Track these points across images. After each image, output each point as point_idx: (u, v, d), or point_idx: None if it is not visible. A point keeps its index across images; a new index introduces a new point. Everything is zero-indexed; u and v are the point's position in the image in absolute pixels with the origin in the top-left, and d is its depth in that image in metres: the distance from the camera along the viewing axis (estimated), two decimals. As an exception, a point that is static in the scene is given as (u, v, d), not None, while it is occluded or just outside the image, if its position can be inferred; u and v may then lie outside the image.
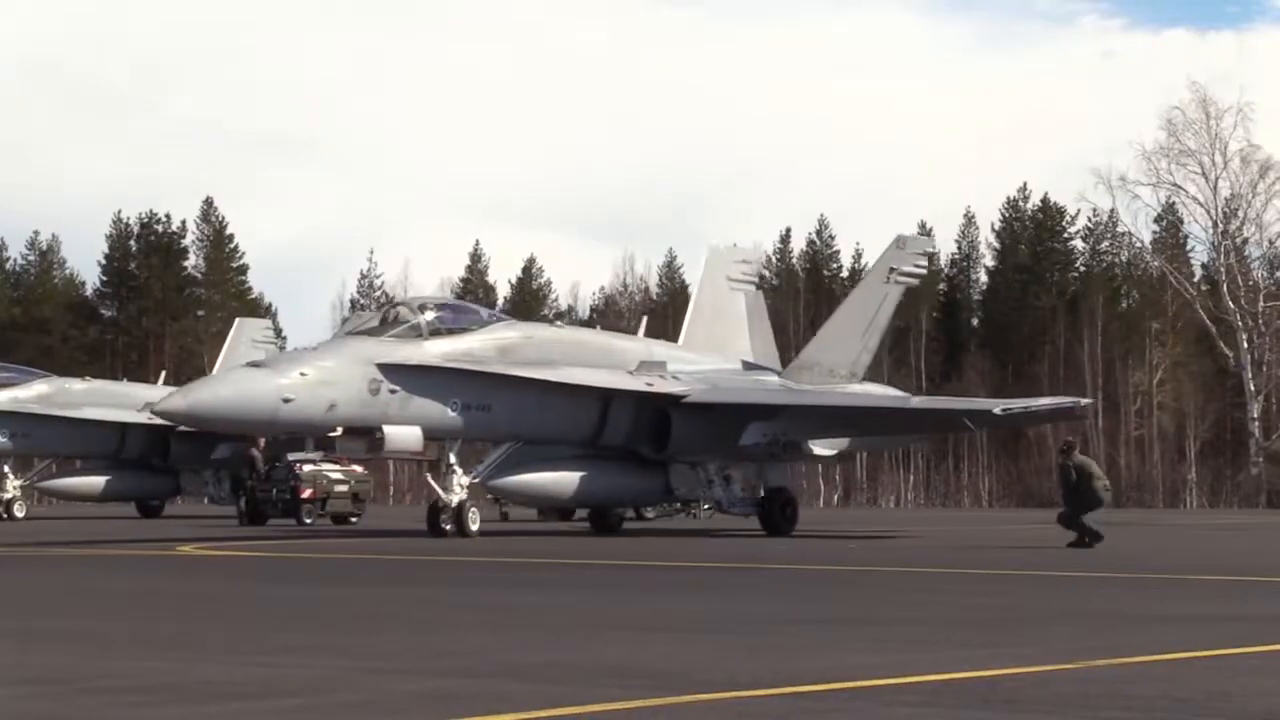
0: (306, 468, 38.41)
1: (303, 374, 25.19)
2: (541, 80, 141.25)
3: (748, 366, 34.75)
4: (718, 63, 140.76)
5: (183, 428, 42.16)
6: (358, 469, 39.47)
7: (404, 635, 10.07)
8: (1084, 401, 32.38)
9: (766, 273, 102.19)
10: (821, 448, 33.89)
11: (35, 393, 43.64)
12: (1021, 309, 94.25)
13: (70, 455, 47.75)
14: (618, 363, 30.46)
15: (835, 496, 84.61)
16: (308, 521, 37.51)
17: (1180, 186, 78.90)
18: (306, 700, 6.84)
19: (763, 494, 32.03)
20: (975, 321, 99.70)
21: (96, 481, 46.35)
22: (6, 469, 44.52)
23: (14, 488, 44.54)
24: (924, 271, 40.23)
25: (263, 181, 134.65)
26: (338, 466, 38.74)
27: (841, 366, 35.41)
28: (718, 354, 34.11)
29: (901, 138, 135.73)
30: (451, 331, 27.80)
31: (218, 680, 7.53)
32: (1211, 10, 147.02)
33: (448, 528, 26.77)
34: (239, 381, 25.31)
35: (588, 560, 20.45)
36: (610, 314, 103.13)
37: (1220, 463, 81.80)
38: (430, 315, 27.86)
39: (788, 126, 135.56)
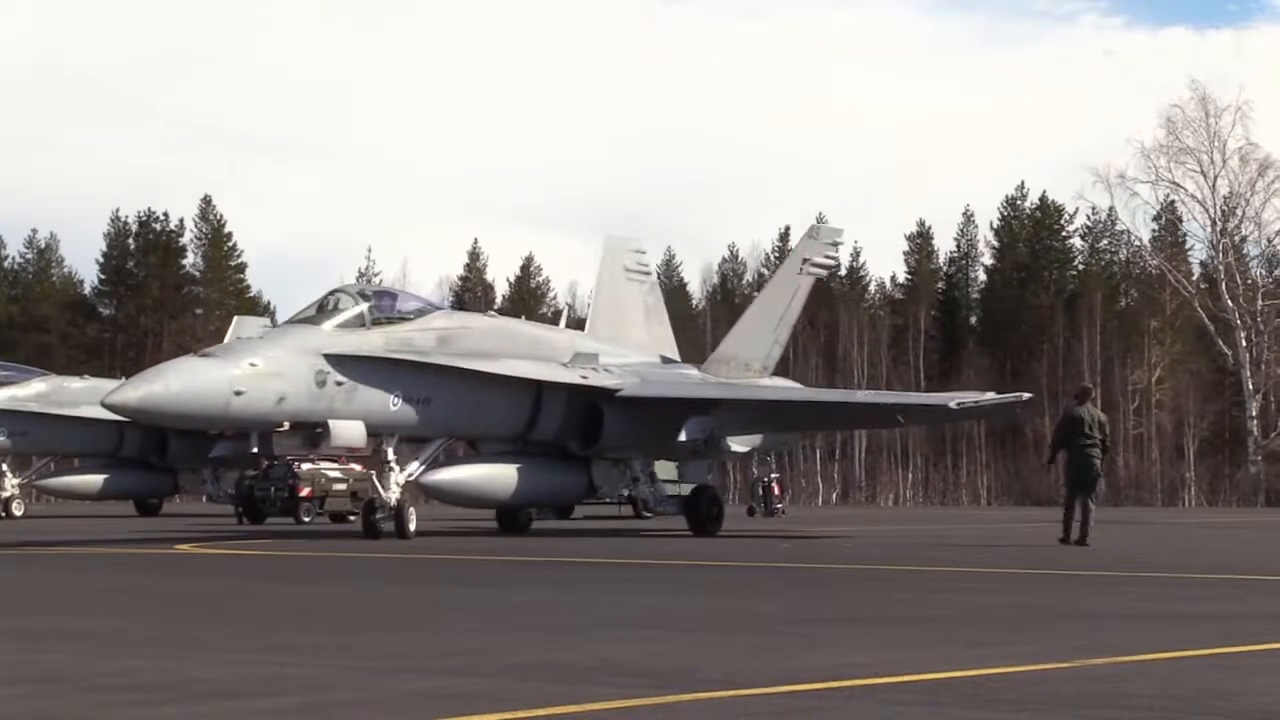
0: (305, 466, 38.43)
1: (253, 365, 23.65)
2: (541, 80, 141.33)
3: (665, 360, 33.79)
4: (718, 62, 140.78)
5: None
6: (356, 467, 39.48)
7: (403, 634, 10.08)
8: (1025, 396, 31.93)
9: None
10: (737, 444, 32.80)
11: (33, 391, 43.63)
12: (1020, 307, 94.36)
13: (68, 454, 47.74)
14: (549, 354, 29.30)
15: (834, 495, 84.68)
16: (306, 520, 37.55)
17: (1179, 185, 79.04)
18: (306, 699, 6.85)
19: (689, 492, 31.01)
20: (974, 320, 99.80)
21: (95, 480, 46.37)
22: (5, 467, 44.56)
23: (12, 486, 44.58)
24: (834, 262, 38.75)
25: (261, 180, 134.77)
26: (336, 465, 38.77)
27: (755, 360, 34.66)
28: (633, 347, 32.91)
29: (901, 137, 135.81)
30: (391, 320, 26.19)
31: (217, 679, 7.53)
32: (1211, 9, 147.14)
33: (385, 528, 25.33)
34: (190, 373, 23.39)
35: (579, 559, 20.45)
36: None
37: (1219, 461, 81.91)
38: (372, 302, 26.28)
39: (788, 126, 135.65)
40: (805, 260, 36.15)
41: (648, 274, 35.51)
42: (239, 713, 6.47)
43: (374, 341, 25.45)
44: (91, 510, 48.02)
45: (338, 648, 9.01)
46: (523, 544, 25.56)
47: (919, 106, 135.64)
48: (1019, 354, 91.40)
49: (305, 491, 38.10)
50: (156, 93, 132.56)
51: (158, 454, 45.62)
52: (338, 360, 24.73)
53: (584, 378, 28.84)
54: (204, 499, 52.77)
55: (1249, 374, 77.03)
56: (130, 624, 11.01)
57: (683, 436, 29.39)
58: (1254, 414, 76.85)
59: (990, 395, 31.84)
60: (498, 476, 27.92)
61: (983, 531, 32.36)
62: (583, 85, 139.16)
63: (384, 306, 26.51)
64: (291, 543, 25.50)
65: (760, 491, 46.97)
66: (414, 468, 26.32)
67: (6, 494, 44.23)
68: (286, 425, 24.34)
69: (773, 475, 47.96)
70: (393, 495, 25.60)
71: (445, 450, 28.66)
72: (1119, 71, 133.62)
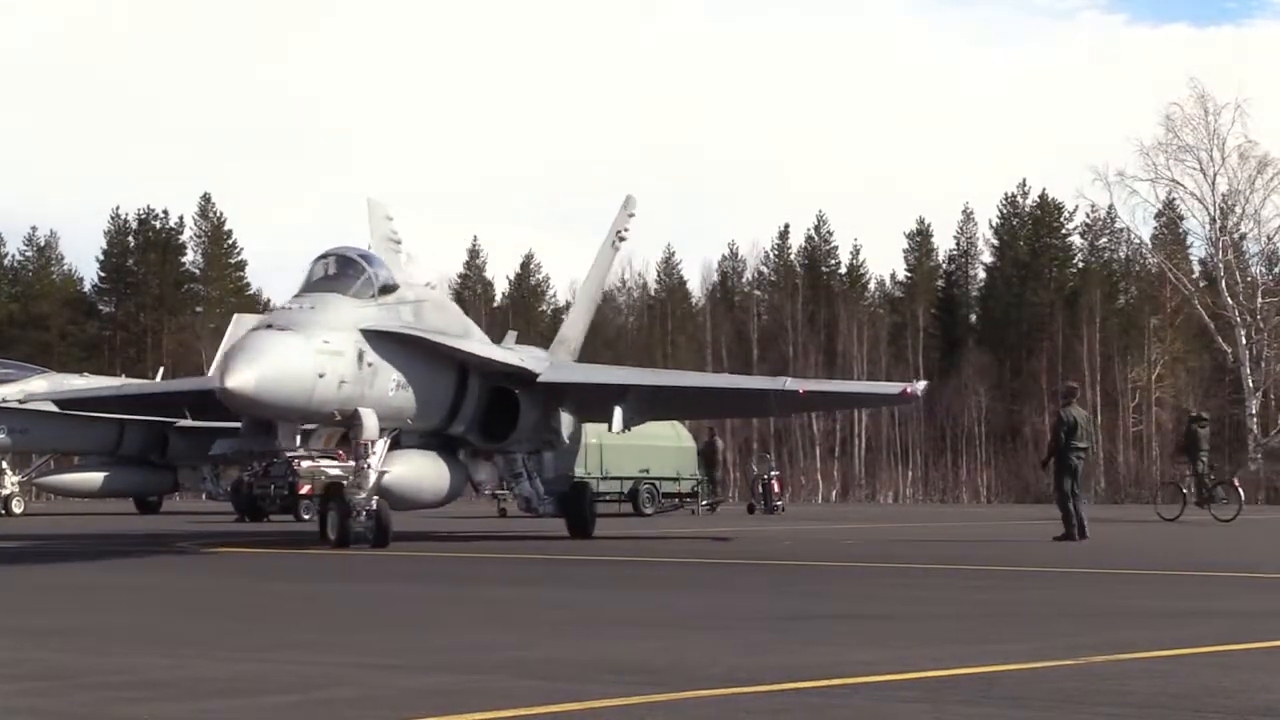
0: (305, 464, 38.45)
1: (326, 342, 20.73)
2: (541, 79, 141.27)
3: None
4: (718, 61, 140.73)
5: (182, 423, 42.30)
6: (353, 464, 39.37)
7: (403, 631, 10.08)
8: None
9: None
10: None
11: (33, 389, 43.60)
12: (1020, 305, 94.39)
13: (68, 451, 47.75)
14: (474, 332, 26.49)
15: (834, 492, 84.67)
16: (306, 518, 37.51)
17: (1178, 182, 78.90)
18: (305, 696, 6.85)
19: (566, 488, 27.84)
20: (973, 318, 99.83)
21: (95, 477, 46.33)
22: (4, 465, 44.56)
23: (12, 484, 44.58)
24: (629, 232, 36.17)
25: (261, 177, 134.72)
26: (336, 462, 38.75)
27: (573, 340, 32.19)
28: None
29: (900, 134, 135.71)
30: (384, 289, 22.80)
31: (216, 676, 7.53)
32: (1211, 6, 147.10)
33: (369, 536, 21.74)
34: (283, 352, 20.12)
35: (576, 557, 20.45)
36: (608, 310, 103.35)
37: (1219, 459, 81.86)
38: (374, 268, 22.84)
39: (787, 124, 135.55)
40: (618, 233, 33.86)
41: (400, 243, 30.49)
42: (240, 710, 6.47)
43: (383, 315, 22.49)
44: (91, 508, 48.03)
45: (338, 645, 9.01)
46: (513, 544, 25.58)
47: (918, 103, 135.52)
48: (1018, 352, 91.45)
49: (305, 489, 38.08)
50: (156, 91, 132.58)
51: (158, 452, 45.64)
52: (368, 336, 21.77)
53: (521, 361, 26.12)
54: (204, 497, 52.80)
55: (1249, 371, 76.99)
56: (130, 621, 11.01)
57: (616, 427, 26.88)
58: (1254, 412, 76.79)
59: (911, 385, 30.52)
60: (441, 474, 24.27)
61: (983, 529, 32.37)
62: (582, 84, 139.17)
63: (381, 274, 23.10)
64: (291, 541, 25.47)
65: (760, 489, 47.06)
66: (375, 462, 22.33)
67: (6, 491, 44.22)
68: (338, 416, 21.46)
69: (772, 473, 48.03)
70: (370, 496, 22.05)
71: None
72: (1119, 69, 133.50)
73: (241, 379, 19.57)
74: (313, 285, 22.10)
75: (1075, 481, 25.32)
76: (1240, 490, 36.63)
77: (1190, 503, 35.25)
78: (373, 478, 22.06)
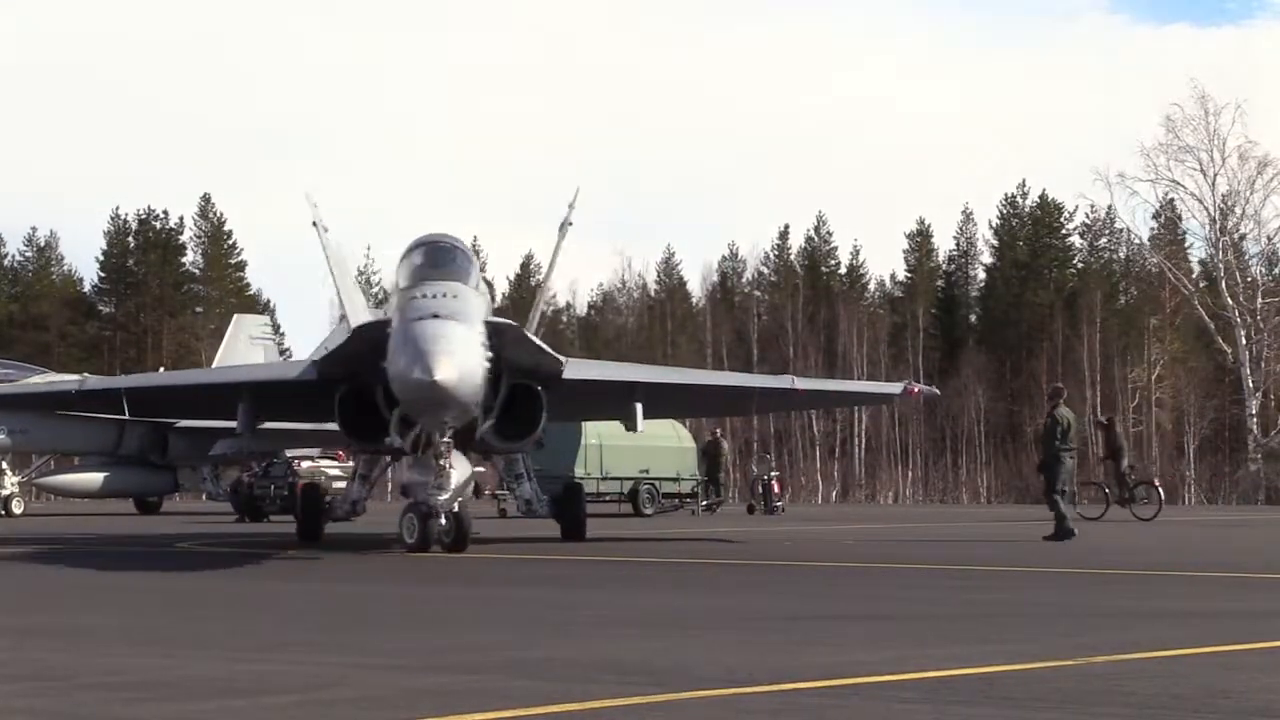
0: (304, 464, 38.48)
1: (480, 333, 20.10)
2: (541, 79, 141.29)
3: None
4: (718, 62, 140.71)
5: (182, 424, 42.32)
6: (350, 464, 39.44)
7: (403, 632, 10.08)
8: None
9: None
10: None
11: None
12: (1019, 306, 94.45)
13: (68, 452, 47.78)
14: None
15: (834, 493, 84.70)
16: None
17: (1179, 183, 78.95)
18: (305, 697, 6.85)
19: (560, 489, 27.18)
20: (973, 318, 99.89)
21: (95, 478, 46.38)
22: (4, 465, 44.57)
23: (12, 484, 44.59)
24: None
25: (260, 177, 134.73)
26: (336, 462, 38.79)
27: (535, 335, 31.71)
28: None
29: (900, 134, 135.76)
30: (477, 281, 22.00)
31: (216, 677, 7.53)
32: (1212, 7, 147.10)
33: (446, 539, 20.36)
34: (467, 343, 19.42)
35: (576, 558, 20.44)
36: (609, 311, 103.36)
37: (1218, 459, 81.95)
38: (471, 256, 21.99)
39: (787, 124, 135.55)
40: (564, 227, 31.00)
41: (328, 230, 27.21)
42: (240, 710, 6.47)
43: (486, 307, 21.76)
44: (91, 508, 48.04)
45: (338, 645, 9.01)
46: (514, 545, 25.56)
47: (919, 103, 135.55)
48: (1018, 352, 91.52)
49: (305, 489, 38.06)
50: (156, 92, 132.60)
51: (157, 452, 45.65)
52: (489, 329, 20.89)
53: (556, 355, 25.22)
54: (204, 497, 52.83)
55: (1249, 372, 77.02)
56: (130, 622, 11.01)
57: (639, 425, 26.18)
58: (1254, 412, 76.83)
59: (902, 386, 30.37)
60: (470, 475, 23.24)
61: (983, 529, 32.37)
62: (582, 84, 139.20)
63: (473, 263, 21.98)
64: (290, 541, 25.47)
65: (760, 490, 47.11)
66: (454, 462, 20.75)
67: (6, 492, 44.24)
68: (474, 411, 20.40)
69: (772, 473, 48.10)
70: (454, 499, 20.53)
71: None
72: (1121, 69, 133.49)
73: (447, 372, 18.72)
74: (431, 274, 21.12)
75: (1069, 481, 25.92)
76: (1160, 490, 38.26)
77: (1112, 502, 36.17)
78: (455, 478, 20.60)
